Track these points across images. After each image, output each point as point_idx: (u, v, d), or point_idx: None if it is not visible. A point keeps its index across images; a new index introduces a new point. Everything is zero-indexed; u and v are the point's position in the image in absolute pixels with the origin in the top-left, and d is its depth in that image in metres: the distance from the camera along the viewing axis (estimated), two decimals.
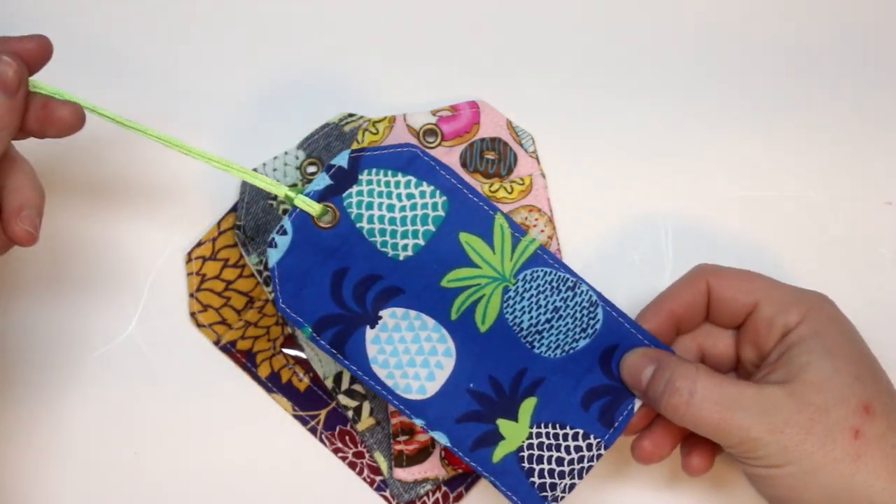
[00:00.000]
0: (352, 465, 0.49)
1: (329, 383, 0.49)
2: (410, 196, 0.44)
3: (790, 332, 0.42)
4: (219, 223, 0.51)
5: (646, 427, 0.45)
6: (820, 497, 0.40)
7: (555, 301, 0.44)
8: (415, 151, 0.43)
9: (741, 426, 0.40)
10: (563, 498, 0.43)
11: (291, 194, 0.42)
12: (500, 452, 0.43)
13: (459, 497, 0.48)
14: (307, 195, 0.42)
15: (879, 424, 0.40)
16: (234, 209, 0.51)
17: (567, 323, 0.44)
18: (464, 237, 0.44)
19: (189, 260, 0.50)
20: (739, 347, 0.45)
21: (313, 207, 0.42)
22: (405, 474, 0.48)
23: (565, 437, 0.43)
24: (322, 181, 0.43)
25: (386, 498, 0.48)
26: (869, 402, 0.40)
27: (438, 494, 0.48)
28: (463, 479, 0.49)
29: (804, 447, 0.39)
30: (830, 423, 0.39)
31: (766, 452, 0.40)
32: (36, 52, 0.40)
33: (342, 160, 0.43)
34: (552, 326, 0.44)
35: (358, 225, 0.43)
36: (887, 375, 0.42)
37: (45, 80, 0.41)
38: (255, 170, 0.51)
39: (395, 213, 0.44)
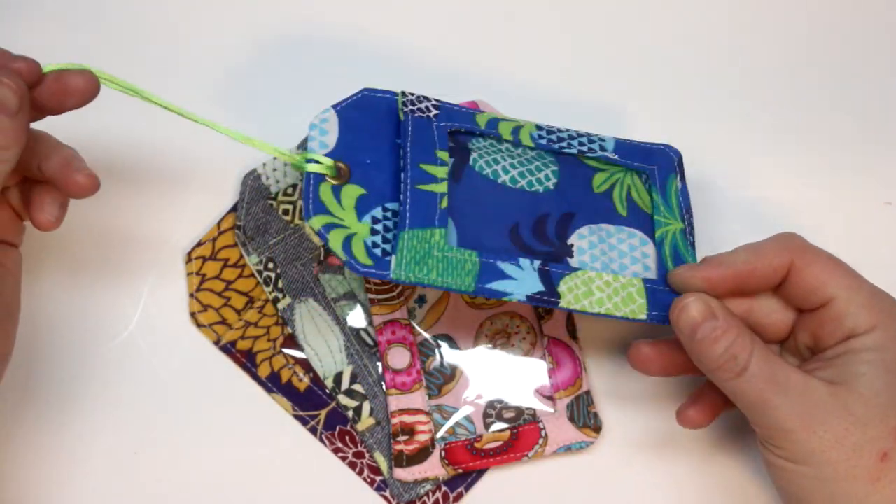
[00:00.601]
0: (352, 465, 0.49)
1: (329, 383, 0.49)
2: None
3: (855, 337, 0.41)
4: (219, 223, 0.51)
5: (693, 397, 0.46)
6: None
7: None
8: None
9: (778, 413, 0.39)
10: None
11: (300, 160, 0.43)
12: None
13: (459, 497, 0.48)
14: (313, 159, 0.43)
15: None
16: (234, 209, 0.51)
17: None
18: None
19: (189, 260, 0.50)
20: (797, 330, 0.44)
21: (324, 165, 0.43)
22: (405, 474, 0.48)
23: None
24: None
25: (386, 498, 0.48)
26: None
27: (438, 494, 0.48)
28: (463, 479, 0.49)
29: (830, 454, 0.39)
30: (864, 438, 0.39)
31: (793, 448, 0.39)
32: (26, 73, 0.40)
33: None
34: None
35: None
36: None
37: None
38: (254, 170, 0.51)
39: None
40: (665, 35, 0.54)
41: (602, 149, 0.47)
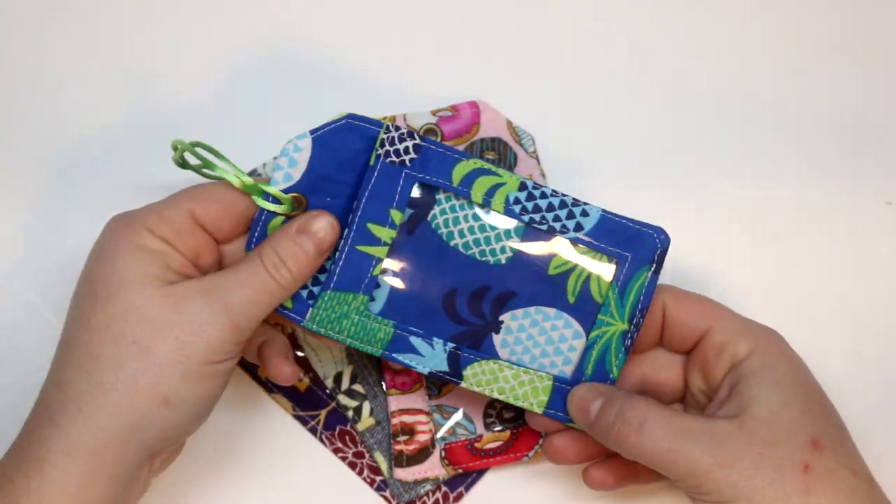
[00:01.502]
0: (352, 465, 0.49)
1: (329, 383, 0.49)
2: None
3: (740, 364, 0.42)
4: None
5: (603, 458, 0.45)
6: None
7: None
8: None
9: (690, 458, 0.39)
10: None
11: (256, 194, 0.42)
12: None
13: (459, 497, 0.48)
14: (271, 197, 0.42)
15: (828, 459, 0.39)
16: None
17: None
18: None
19: None
20: (688, 375, 0.45)
21: (280, 205, 0.42)
22: (405, 474, 0.48)
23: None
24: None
25: (386, 498, 0.48)
26: (818, 437, 0.40)
27: (438, 494, 0.48)
28: (463, 479, 0.49)
29: (754, 482, 0.39)
30: (779, 457, 0.39)
31: (717, 487, 0.39)
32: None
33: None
34: None
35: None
36: (836, 411, 0.42)
37: None
38: (254, 170, 0.51)
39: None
40: (665, 35, 0.54)
41: (579, 227, 0.44)
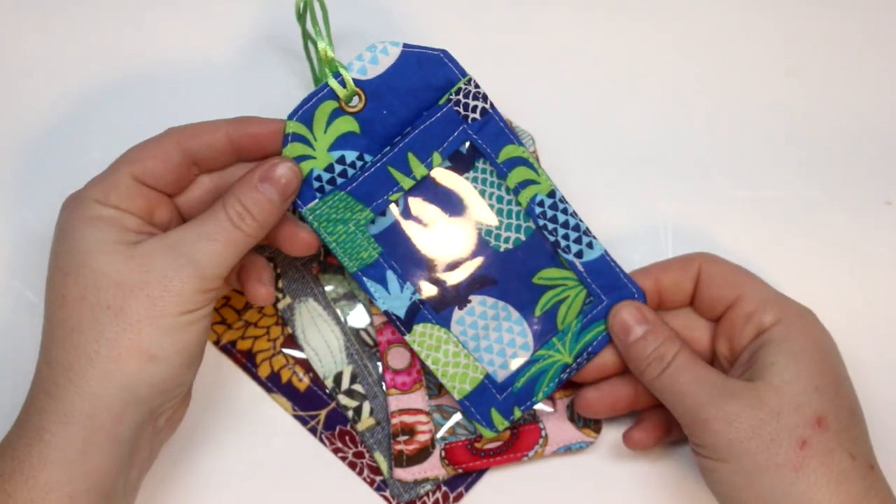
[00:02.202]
0: (352, 465, 0.49)
1: (329, 383, 0.49)
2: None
3: (763, 333, 0.43)
4: None
5: (638, 420, 0.47)
6: (759, 502, 0.40)
7: None
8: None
9: (697, 404, 0.41)
10: None
11: (327, 71, 0.43)
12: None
13: (459, 497, 0.48)
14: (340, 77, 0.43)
15: (829, 439, 0.40)
16: None
17: None
18: None
19: None
20: (715, 342, 0.46)
21: (341, 90, 0.43)
22: (405, 474, 0.48)
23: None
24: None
25: (386, 498, 0.48)
26: (823, 415, 0.40)
27: (438, 494, 0.48)
28: (463, 479, 0.49)
29: (748, 445, 0.40)
30: (780, 427, 0.40)
31: (713, 441, 0.40)
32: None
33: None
34: None
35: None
36: (854, 396, 0.42)
37: None
38: None
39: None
40: (665, 35, 0.54)
41: (579, 254, 0.45)
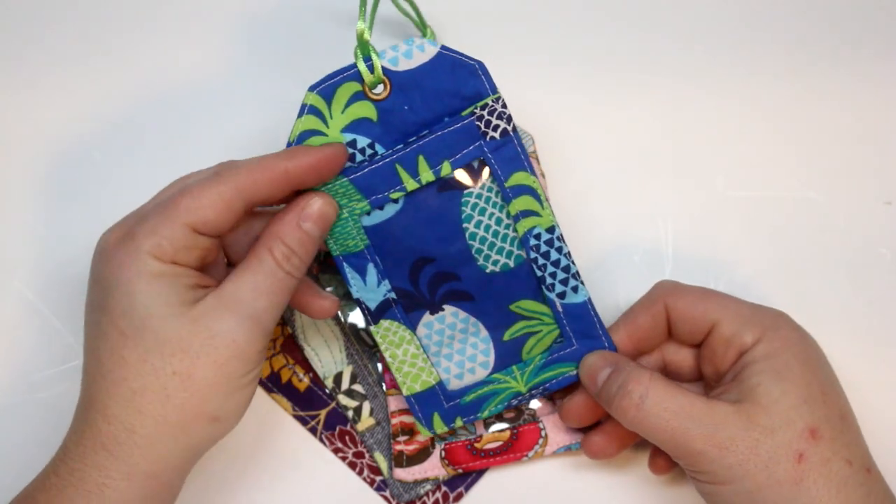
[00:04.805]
0: (352, 465, 0.49)
1: (329, 383, 0.49)
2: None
3: (745, 353, 0.43)
4: None
5: (598, 424, 0.46)
6: None
7: None
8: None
9: (687, 437, 0.40)
10: None
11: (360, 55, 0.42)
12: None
13: (459, 497, 0.48)
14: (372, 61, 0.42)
15: (825, 449, 0.40)
16: None
17: None
18: None
19: None
20: (700, 365, 0.46)
21: (368, 74, 0.42)
22: (405, 474, 0.48)
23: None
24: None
25: (386, 498, 0.48)
26: (816, 426, 0.40)
27: (438, 494, 0.48)
28: (463, 479, 0.49)
29: (747, 467, 0.40)
30: (775, 445, 0.40)
31: (711, 468, 0.40)
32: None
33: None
34: None
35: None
36: (843, 399, 0.42)
37: None
38: None
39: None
40: (665, 35, 0.54)
41: (562, 295, 0.45)
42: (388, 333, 0.45)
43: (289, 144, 0.42)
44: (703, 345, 0.45)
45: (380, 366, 0.49)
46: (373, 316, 0.45)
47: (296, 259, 0.41)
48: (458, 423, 0.46)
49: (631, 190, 0.52)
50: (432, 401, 0.46)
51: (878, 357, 0.50)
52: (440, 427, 0.46)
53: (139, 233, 0.39)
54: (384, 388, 0.49)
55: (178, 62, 0.54)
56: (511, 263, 0.45)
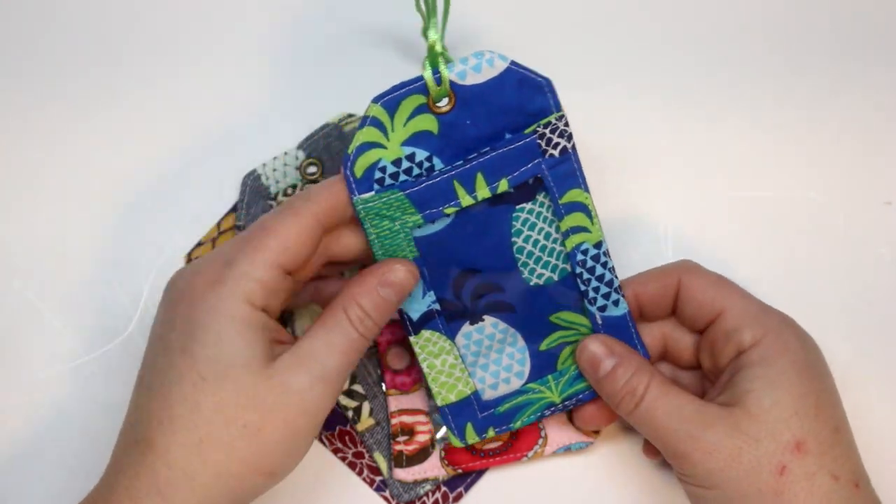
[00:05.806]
0: (352, 466, 0.49)
1: None
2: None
3: (742, 354, 0.42)
4: (219, 224, 0.51)
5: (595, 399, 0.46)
6: None
7: None
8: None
9: (675, 438, 0.41)
10: None
11: (427, 69, 0.41)
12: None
13: (459, 497, 0.48)
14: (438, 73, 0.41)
15: (810, 463, 0.40)
16: (234, 209, 0.51)
17: None
18: None
19: (189, 260, 0.50)
20: (699, 353, 0.45)
21: (433, 86, 0.41)
22: (405, 474, 0.48)
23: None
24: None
25: (386, 498, 0.48)
26: (803, 440, 0.40)
27: (438, 494, 0.48)
28: (463, 479, 0.49)
29: (729, 473, 0.40)
30: (758, 454, 0.40)
31: (694, 472, 0.40)
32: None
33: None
34: None
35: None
36: (839, 411, 0.42)
37: None
38: (254, 170, 0.51)
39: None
40: (665, 34, 0.54)
41: (603, 308, 0.45)
42: (428, 344, 0.45)
43: (347, 156, 0.42)
44: (704, 333, 0.45)
45: (379, 365, 0.49)
46: (414, 326, 0.45)
47: (369, 322, 0.41)
48: (491, 433, 0.46)
49: (631, 190, 0.52)
50: (466, 411, 0.46)
51: (879, 357, 0.50)
52: (472, 437, 0.46)
53: (230, 277, 0.39)
54: (384, 388, 0.49)
55: (177, 69, 0.54)
56: (555, 277, 0.45)
